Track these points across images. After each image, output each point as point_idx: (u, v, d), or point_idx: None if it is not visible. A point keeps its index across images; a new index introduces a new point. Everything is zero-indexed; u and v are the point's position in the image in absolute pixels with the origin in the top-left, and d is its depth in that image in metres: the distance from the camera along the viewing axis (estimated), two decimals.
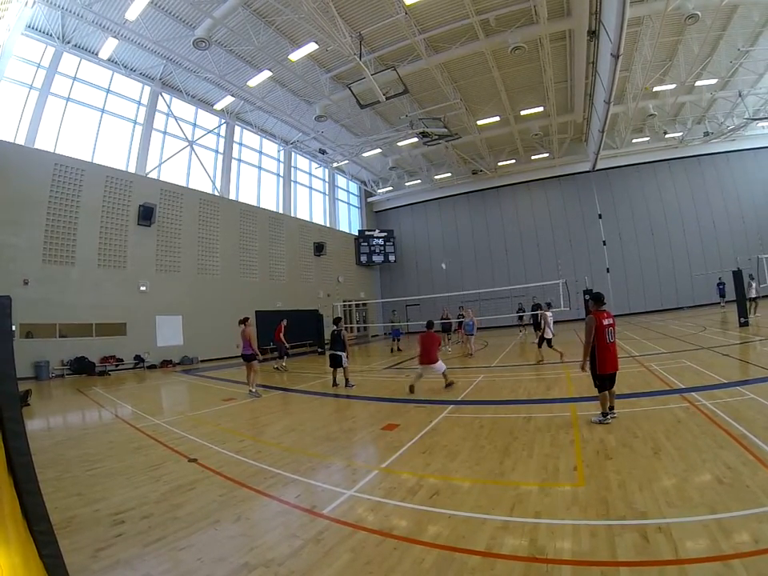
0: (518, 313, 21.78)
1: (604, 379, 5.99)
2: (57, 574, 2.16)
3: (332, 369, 11.23)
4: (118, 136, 19.59)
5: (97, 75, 18.50)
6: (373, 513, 3.85)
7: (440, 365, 9.76)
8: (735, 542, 2.83)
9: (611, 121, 21.35)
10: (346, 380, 11.06)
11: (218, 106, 22.44)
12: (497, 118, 24.63)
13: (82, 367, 16.36)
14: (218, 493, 4.50)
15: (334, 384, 11.19)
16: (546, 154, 30.67)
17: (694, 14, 15.34)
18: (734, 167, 28.66)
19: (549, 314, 12.73)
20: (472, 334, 16.18)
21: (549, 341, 12.45)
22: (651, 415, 6.12)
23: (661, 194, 29.76)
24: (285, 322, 15.99)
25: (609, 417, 5.96)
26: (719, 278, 21.60)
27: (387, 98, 19.09)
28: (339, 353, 10.91)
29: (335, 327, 11.33)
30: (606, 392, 6.01)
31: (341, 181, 35.88)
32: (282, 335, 15.96)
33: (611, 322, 6.05)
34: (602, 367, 5.95)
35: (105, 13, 15.23)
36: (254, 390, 10.75)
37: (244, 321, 10.95)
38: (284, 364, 16.21)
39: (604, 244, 30.20)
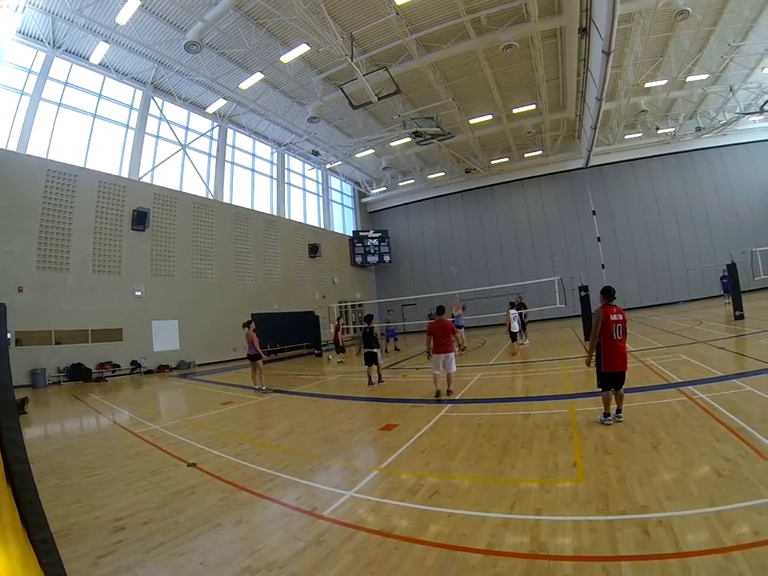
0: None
1: (609, 378, 5.73)
2: None
3: (367, 367, 11.14)
4: (110, 141, 19.51)
5: (88, 80, 18.41)
6: (373, 513, 3.86)
7: (454, 361, 8.93)
8: (735, 534, 2.85)
9: (603, 117, 21.43)
10: (379, 376, 11.27)
11: (211, 109, 22.39)
12: (489, 117, 24.68)
13: (78, 374, 16.28)
14: (218, 497, 4.50)
15: (371, 383, 11.02)
16: (539, 152, 30.77)
17: (685, 10, 15.44)
18: (726, 162, 28.80)
19: (512, 311, 14.73)
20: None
21: (513, 335, 14.56)
22: (649, 410, 6.14)
23: (654, 189, 29.87)
24: (341, 321, 17.56)
25: (610, 418, 5.74)
26: (723, 271, 20.25)
27: (379, 99, 19.08)
28: (375, 350, 11.07)
29: (367, 325, 11.44)
30: (609, 392, 5.75)
31: (334, 182, 35.86)
32: (339, 334, 18.26)
33: (620, 318, 5.75)
34: (607, 365, 5.71)
35: (95, 17, 15.18)
36: (263, 388, 11.46)
37: (247, 324, 11.74)
38: (342, 360, 17.84)
39: (599, 240, 30.27)
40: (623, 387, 5.79)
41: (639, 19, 16.94)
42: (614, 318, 5.71)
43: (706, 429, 5.03)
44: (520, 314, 15.65)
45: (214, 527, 3.79)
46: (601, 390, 5.86)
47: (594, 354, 5.93)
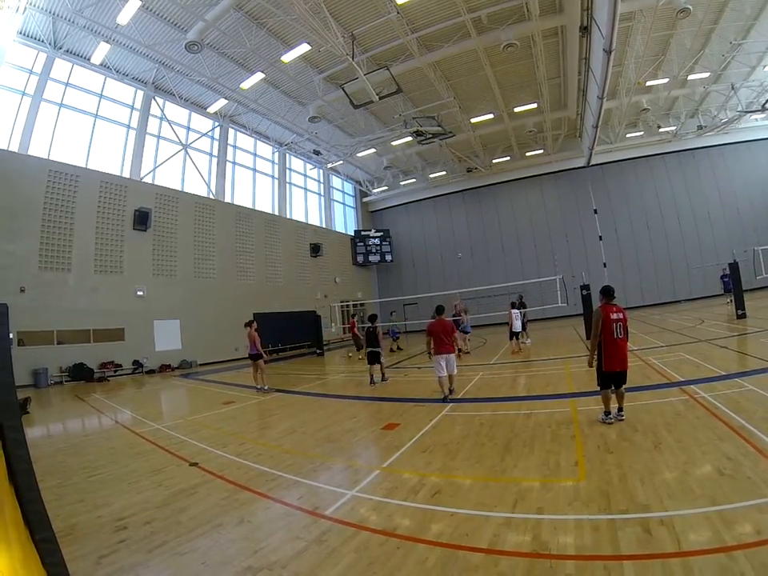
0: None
1: (608, 377, 5.70)
2: None
3: (369, 366, 11.27)
4: (111, 141, 19.53)
5: (89, 80, 18.43)
6: (375, 513, 3.86)
7: (454, 362, 8.68)
8: (737, 533, 2.84)
9: (605, 116, 21.37)
10: (382, 374, 11.40)
11: (212, 109, 22.39)
12: (490, 116, 24.66)
13: (80, 374, 16.30)
14: (220, 496, 4.50)
15: (372, 382, 11.08)
16: (541, 151, 30.73)
17: (686, 8, 15.37)
18: (728, 160, 28.74)
19: (514, 311, 14.73)
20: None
21: (515, 334, 14.63)
22: (651, 409, 6.13)
23: (656, 188, 29.81)
24: (356, 318, 17.42)
25: (611, 417, 5.71)
26: (723, 270, 19.57)
27: (381, 98, 19.05)
28: (377, 349, 11.23)
29: (370, 325, 11.58)
30: (609, 390, 5.73)
31: (336, 181, 35.86)
32: (356, 330, 18.25)
33: (621, 316, 5.69)
34: (607, 364, 5.66)
35: (96, 17, 15.20)
36: (265, 387, 11.49)
37: (249, 323, 11.77)
38: (350, 355, 17.67)
39: (600, 239, 30.22)
40: (624, 386, 5.76)
41: (640, 17, 16.92)
42: (614, 316, 5.67)
43: (708, 428, 5.02)
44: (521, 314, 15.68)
45: (215, 527, 3.80)
46: (600, 388, 5.83)
47: (596, 353, 5.87)
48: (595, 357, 5.89)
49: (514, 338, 14.72)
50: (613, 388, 5.73)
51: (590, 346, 5.98)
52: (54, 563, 2.13)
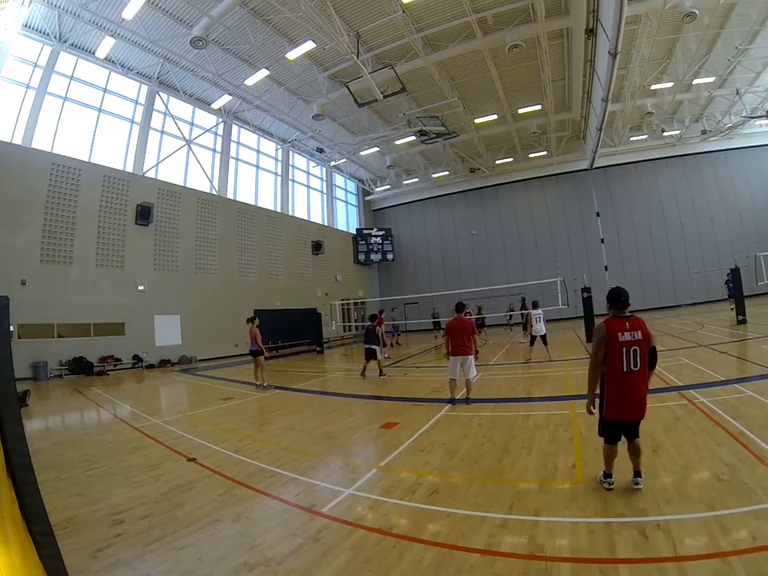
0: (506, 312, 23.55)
1: (612, 426, 3.77)
2: (56, 575, 2.16)
3: (366, 361, 12.06)
4: (115, 135, 19.52)
5: (94, 74, 18.42)
6: (372, 511, 3.86)
7: (473, 366, 8.02)
8: (733, 539, 2.84)
9: (609, 119, 21.33)
10: (380, 370, 11.87)
11: (216, 105, 22.38)
12: (494, 116, 24.61)
13: (80, 367, 16.32)
14: (217, 492, 4.50)
15: (363, 374, 11.96)
16: (544, 153, 30.66)
17: (692, 12, 15.36)
18: (731, 165, 28.68)
19: (534, 312, 12.90)
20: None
21: (542, 338, 12.59)
22: (649, 413, 5.98)
23: (659, 192, 29.78)
24: (384, 315, 17.07)
25: (613, 480, 3.80)
26: (728, 275, 18.74)
27: (385, 97, 19.07)
28: (374, 346, 11.79)
29: (370, 323, 12.27)
30: (614, 446, 3.80)
31: (339, 179, 35.84)
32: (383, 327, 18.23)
33: (637, 336, 3.65)
34: (611, 409, 3.71)
35: (101, 12, 15.18)
36: (264, 384, 11.48)
37: (251, 320, 11.83)
38: (387, 356, 16.83)
39: (602, 242, 30.19)
40: (637, 438, 3.79)
41: (646, 21, 16.90)
42: (624, 337, 3.64)
43: (707, 433, 5.02)
44: (522, 314, 15.29)
45: (212, 522, 3.80)
46: (603, 439, 3.90)
47: (598, 390, 3.87)
48: (595, 398, 3.91)
49: (541, 342, 12.52)
50: (622, 439, 3.81)
51: (588, 380, 3.91)
52: (50, 556, 2.14)
